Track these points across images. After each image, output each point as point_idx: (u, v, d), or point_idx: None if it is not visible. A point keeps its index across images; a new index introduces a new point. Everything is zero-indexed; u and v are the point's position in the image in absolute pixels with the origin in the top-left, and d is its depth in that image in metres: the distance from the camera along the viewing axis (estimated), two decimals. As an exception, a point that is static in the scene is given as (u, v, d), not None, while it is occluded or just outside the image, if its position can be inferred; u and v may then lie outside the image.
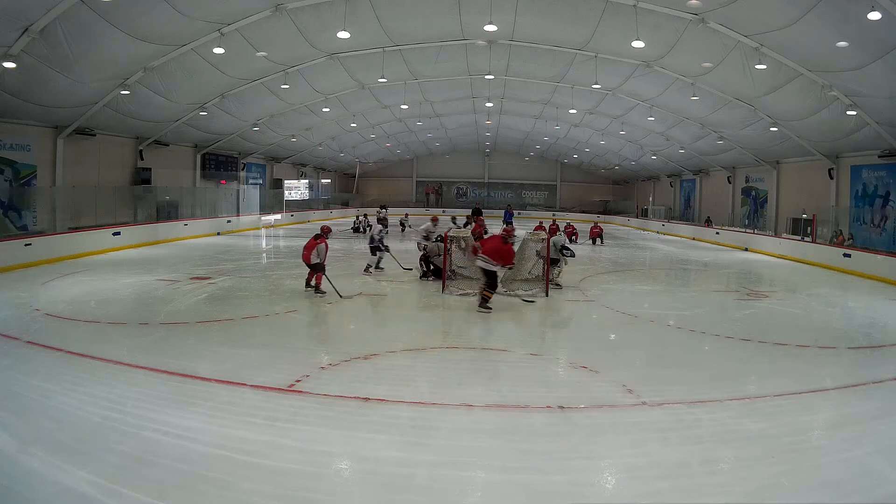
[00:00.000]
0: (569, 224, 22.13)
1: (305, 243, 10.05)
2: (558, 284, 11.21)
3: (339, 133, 29.32)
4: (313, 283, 10.01)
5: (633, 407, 5.21)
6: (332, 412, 4.92)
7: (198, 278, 11.57)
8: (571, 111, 24.77)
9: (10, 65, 11.62)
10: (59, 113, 15.30)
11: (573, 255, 11.84)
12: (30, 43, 11.30)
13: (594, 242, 21.38)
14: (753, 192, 25.53)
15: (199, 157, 23.65)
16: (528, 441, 4.46)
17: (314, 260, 9.85)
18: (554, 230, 16.34)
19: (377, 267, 12.53)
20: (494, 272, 9.05)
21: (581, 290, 11.19)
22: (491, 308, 8.98)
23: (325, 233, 10.19)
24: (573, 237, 20.92)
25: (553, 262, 10.98)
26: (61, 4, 10.65)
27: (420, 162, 45.18)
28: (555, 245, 11.04)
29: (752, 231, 23.37)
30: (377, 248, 12.40)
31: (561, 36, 16.50)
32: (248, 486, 3.69)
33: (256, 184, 28.76)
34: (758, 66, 14.27)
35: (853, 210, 18.59)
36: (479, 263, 9.15)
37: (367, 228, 24.61)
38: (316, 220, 31.88)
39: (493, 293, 9.10)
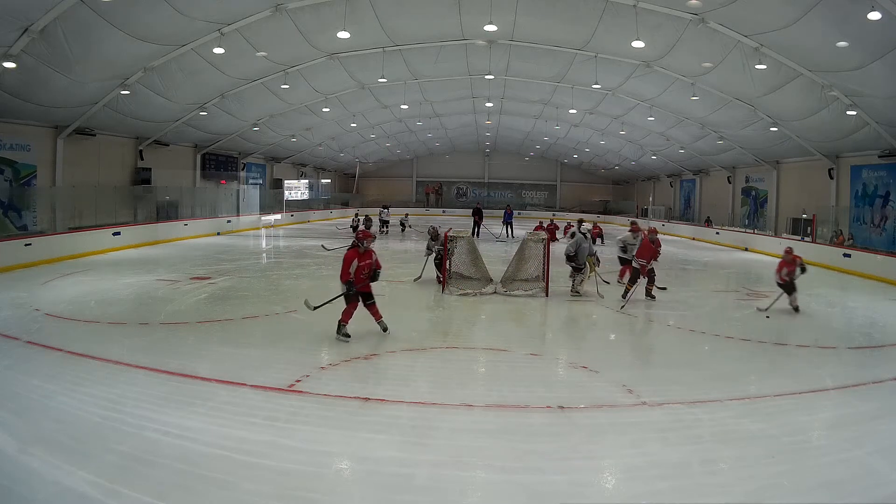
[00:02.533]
0: (595, 224, 22.71)
1: (349, 255, 7.07)
2: (577, 292, 10.55)
3: (339, 133, 29.32)
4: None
5: (633, 407, 5.21)
6: (332, 412, 4.92)
7: (198, 278, 11.56)
8: (571, 111, 24.76)
9: (10, 65, 11.61)
10: (59, 113, 15.30)
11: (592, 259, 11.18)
12: (30, 43, 11.29)
13: (594, 242, 21.37)
14: (753, 192, 25.52)
15: (199, 157, 23.65)
16: (528, 441, 4.46)
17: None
18: (551, 229, 16.23)
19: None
20: (644, 268, 10.02)
21: (581, 290, 11.17)
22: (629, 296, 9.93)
23: (361, 240, 7.23)
24: (598, 239, 21.25)
25: (577, 270, 10.58)
26: (61, 4, 10.64)
27: (420, 162, 45.16)
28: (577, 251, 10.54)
29: (752, 231, 23.36)
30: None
31: (561, 36, 16.49)
32: (249, 486, 3.69)
33: (256, 184, 28.76)
34: (758, 66, 14.27)
35: (853, 210, 18.58)
36: (634, 264, 10.17)
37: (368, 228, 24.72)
38: (316, 220, 31.90)
39: (654, 286, 10.36)
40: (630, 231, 11.41)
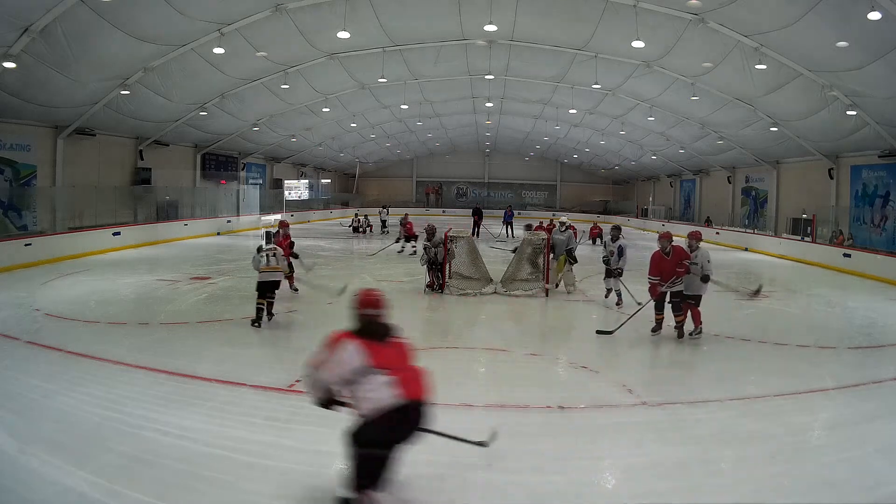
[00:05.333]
0: (595, 224, 23.43)
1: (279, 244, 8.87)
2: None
3: (339, 133, 29.32)
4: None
5: (633, 407, 5.21)
6: (332, 412, 4.91)
7: (198, 278, 11.57)
8: (571, 111, 24.76)
9: (10, 65, 11.61)
10: (59, 113, 15.29)
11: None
12: (30, 43, 11.28)
13: (594, 242, 21.40)
14: (753, 192, 25.52)
15: (199, 157, 23.64)
16: (528, 441, 4.46)
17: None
18: (550, 229, 16.28)
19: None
20: (654, 287, 7.57)
21: (581, 290, 11.17)
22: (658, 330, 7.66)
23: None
24: (598, 239, 21.49)
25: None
26: (61, 4, 10.64)
27: (420, 162, 45.15)
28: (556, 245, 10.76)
29: (752, 231, 23.36)
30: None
31: (561, 36, 16.49)
32: (249, 486, 3.69)
33: (256, 184, 28.75)
34: (758, 66, 14.27)
35: (853, 210, 18.58)
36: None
37: (368, 228, 24.75)
38: (316, 220, 31.90)
39: (661, 315, 7.65)
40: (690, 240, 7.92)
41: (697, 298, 7.56)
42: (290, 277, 9.90)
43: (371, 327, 3.30)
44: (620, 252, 9.59)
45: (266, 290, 7.72)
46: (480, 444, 3.67)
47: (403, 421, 3.15)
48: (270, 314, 7.90)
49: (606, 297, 10.04)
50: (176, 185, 21.88)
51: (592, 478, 4.04)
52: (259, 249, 7.89)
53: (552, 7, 14.43)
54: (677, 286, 7.47)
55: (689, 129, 23.06)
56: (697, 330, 7.59)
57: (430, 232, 10.69)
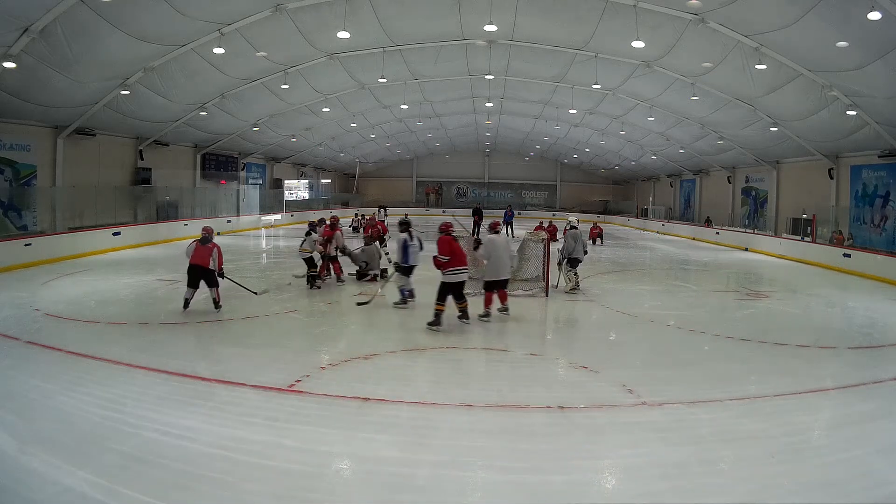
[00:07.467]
0: (595, 224, 23.58)
1: (195, 247, 8.50)
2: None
3: (339, 133, 29.33)
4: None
5: (633, 407, 5.20)
6: (332, 412, 4.92)
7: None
8: (571, 111, 24.77)
9: (10, 65, 11.62)
10: (59, 113, 15.30)
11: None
12: (30, 43, 11.29)
13: (594, 242, 21.40)
14: (753, 192, 25.52)
15: (199, 157, 23.66)
16: (528, 441, 4.46)
17: (211, 266, 8.45)
18: (551, 230, 16.24)
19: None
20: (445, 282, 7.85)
21: (581, 290, 11.18)
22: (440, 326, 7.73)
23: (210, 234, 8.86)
24: (598, 239, 21.60)
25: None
26: (61, 4, 10.64)
27: (420, 162, 45.17)
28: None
29: (752, 231, 23.37)
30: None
31: (561, 36, 16.49)
32: (248, 486, 3.69)
33: (256, 184, 28.77)
34: (758, 66, 14.27)
35: (853, 210, 18.59)
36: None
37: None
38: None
39: (443, 306, 7.83)
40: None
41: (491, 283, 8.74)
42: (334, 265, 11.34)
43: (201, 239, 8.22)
44: (404, 247, 8.99)
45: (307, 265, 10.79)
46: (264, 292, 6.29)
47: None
48: (314, 282, 10.63)
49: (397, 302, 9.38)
50: (176, 185, 21.89)
51: (592, 478, 4.04)
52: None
53: (552, 7, 14.43)
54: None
55: (689, 129, 23.07)
56: (485, 312, 8.58)
57: (368, 241, 11.95)
